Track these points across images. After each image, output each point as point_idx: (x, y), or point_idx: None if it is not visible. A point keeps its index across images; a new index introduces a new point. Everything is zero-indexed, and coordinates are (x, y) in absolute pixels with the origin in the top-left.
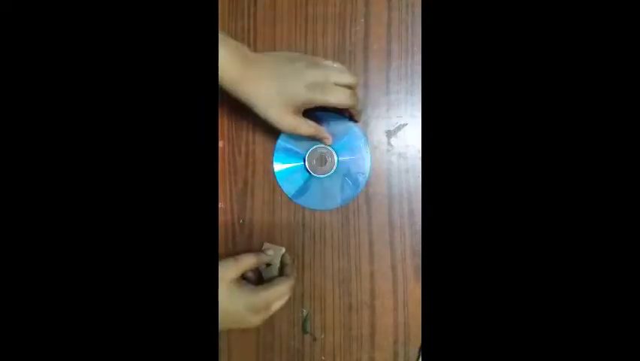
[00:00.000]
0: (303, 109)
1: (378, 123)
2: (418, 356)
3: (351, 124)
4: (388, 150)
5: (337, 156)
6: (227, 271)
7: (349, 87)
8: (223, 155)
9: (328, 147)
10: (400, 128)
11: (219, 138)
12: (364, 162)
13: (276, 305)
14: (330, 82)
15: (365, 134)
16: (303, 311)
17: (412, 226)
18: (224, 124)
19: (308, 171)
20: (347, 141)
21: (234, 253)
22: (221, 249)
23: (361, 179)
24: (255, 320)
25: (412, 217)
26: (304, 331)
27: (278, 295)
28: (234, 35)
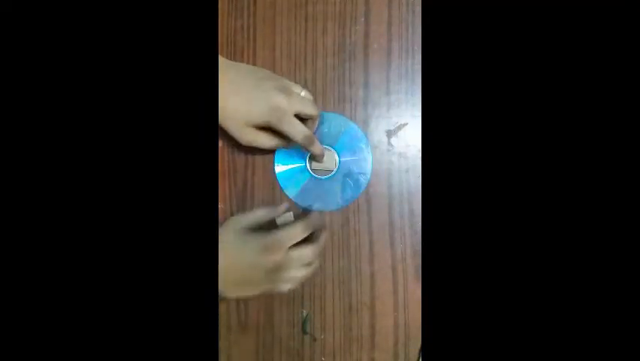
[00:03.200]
0: (260, 126)
1: (378, 123)
2: (419, 357)
3: (351, 123)
4: (389, 150)
5: (339, 157)
6: (236, 222)
7: (310, 117)
8: (223, 155)
9: (330, 148)
10: (400, 128)
11: (219, 138)
12: (366, 162)
13: (292, 246)
14: (293, 111)
15: (366, 135)
16: (302, 312)
17: (412, 226)
18: None
19: (309, 171)
20: (348, 141)
21: None
22: None
23: (362, 180)
24: (268, 260)
25: (412, 217)
26: (304, 331)
27: (292, 235)
28: (234, 33)
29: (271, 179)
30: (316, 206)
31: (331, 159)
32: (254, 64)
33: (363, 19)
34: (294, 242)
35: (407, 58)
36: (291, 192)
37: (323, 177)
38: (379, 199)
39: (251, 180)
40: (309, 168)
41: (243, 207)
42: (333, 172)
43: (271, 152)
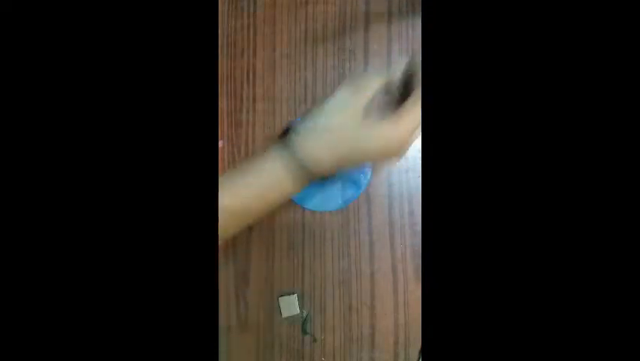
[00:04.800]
0: None
1: None
2: (419, 358)
3: None
4: None
5: None
6: None
7: None
8: (223, 155)
9: None
10: None
11: (219, 138)
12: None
13: None
14: None
15: None
16: (303, 312)
17: (412, 226)
18: (224, 124)
19: None
20: None
21: (234, 254)
22: (221, 249)
23: (362, 180)
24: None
25: (412, 217)
26: (304, 331)
27: None
28: (234, 33)
29: None
30: (317, 206)
31: None
32: (254, 64)
33: (363, 19)
34: None
35: (407, 58)
36: None
37: None
38: (379, 199)
39: None
40: None
41: None
42: None
43: None
